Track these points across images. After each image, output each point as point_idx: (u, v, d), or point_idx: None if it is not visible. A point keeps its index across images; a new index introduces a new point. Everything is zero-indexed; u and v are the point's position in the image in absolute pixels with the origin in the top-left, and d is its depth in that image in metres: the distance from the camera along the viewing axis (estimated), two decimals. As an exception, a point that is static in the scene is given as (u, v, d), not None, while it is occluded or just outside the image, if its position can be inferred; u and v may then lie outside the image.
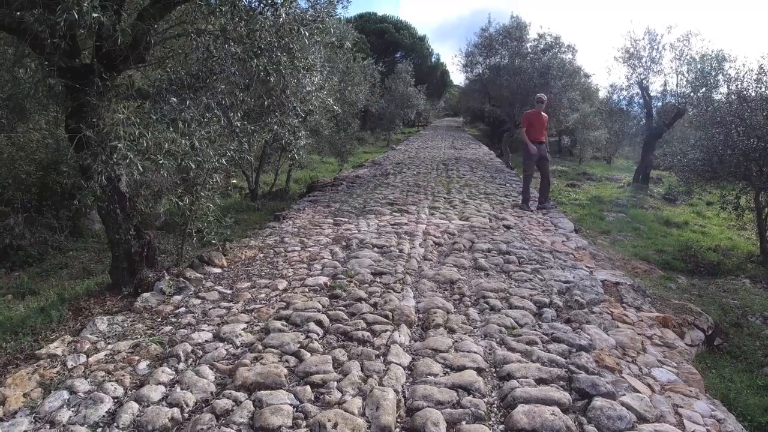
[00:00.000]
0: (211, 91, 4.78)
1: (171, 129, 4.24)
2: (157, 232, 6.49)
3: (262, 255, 6.03)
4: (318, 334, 3.79)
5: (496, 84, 21.51)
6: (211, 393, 3.08)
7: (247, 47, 4.80)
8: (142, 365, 3.45)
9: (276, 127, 5.98)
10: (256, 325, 4.03)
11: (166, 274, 5.25)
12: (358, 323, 3.95)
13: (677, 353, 4.15)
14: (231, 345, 3.70)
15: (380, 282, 4.95)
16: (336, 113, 11.08)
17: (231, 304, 4.53)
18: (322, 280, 4.95)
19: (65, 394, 3.09)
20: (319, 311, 4.19)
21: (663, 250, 9.86)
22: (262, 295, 4.69)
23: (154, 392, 3.07)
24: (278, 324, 3.93)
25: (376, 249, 6.06)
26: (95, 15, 3.49)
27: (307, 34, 5.25)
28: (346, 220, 7.73)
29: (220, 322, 4.14)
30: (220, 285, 5.06)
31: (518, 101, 20.70)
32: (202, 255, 5.69)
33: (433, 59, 46.65)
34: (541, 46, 20.97)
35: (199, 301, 4.65)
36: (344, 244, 6.32)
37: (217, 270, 5.53)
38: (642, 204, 15.07)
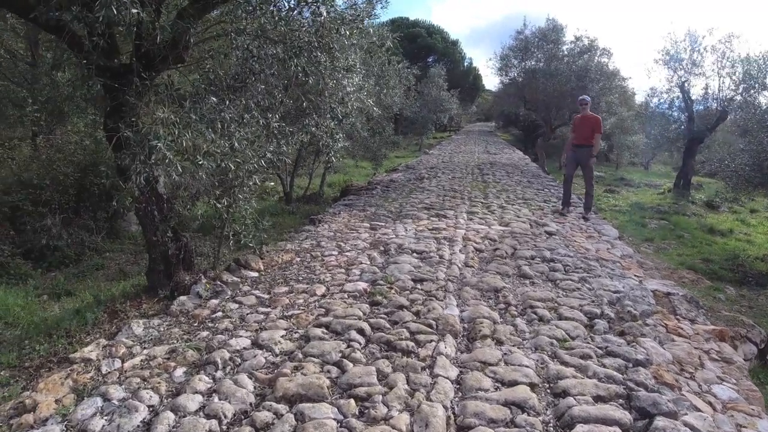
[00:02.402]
0: (251, 91, 4.70)
1: (210, 129, 4.16)
2: (194, 234, 6.45)
3: (299, 259, 5.92)
4: (360, 344, 3.63)
5: (532, 87, 21.14)
6: (251, 404, 2.95)
7: (287, 47, 4.70)
8: (179, 372, 3.35)
9: (314, 129, 5.88)
10: (295, 332, 3.90)
11: (203, 277, 5.18)
12: (401, 332, 3.77)
13: (736, 369, 3.88)
14: (270, 353, 3.57)
15: (421, 289, 4.77)
16: (373, 116, 10.98)
17: (269, 309, 4.41)
18: (362, 286, 4.80)
19: (99, 401, 3.01)
20: (359, 319, 4.04)
21: (709, 260, 9.45)
22: (301, 301, 4.56)
23: (191, 402, 2.95)
24: (318, 332, 3.79)
25: (415, 254, 5.88)
26: (134, 11, 3.42)
27: (347, 33, 5.13)
28: (383, 224, 7.58)
29: (258, 328, 4.03)
30: (257, 289, 4.96)
31: (554, 105, 20.32)
32: (238, 258, 5.61)
33: (465, 64, 46.29)
34: (578, 49, 20.55)
35: (236, 305, 4.55)
36: (382, 248, 6.17)
37: (254, 274, 5.44)
38: (684, 211, 14.55)
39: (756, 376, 4.67)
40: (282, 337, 3.80)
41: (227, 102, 4.39)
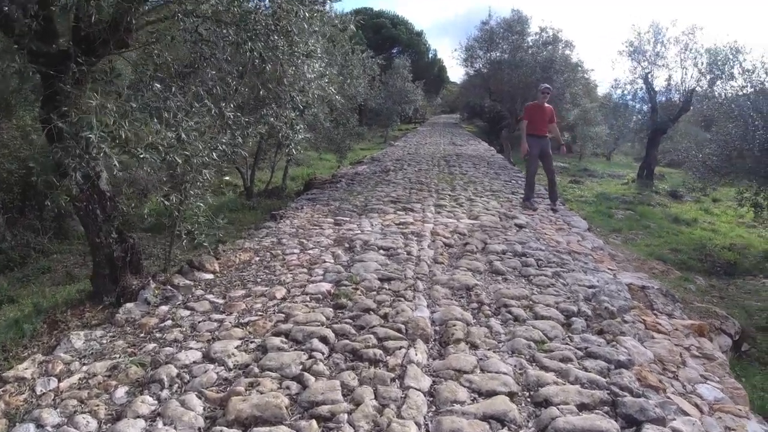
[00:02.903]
0: (201, 78, 4.30)
1: (155, 119, 3.76)
2: (144, 234, 6.01)
3: (258, 258, 5.56)
4: (323, 353, 3.31)
5: (497, 78, 21.04)
6: (199, 429, 2.60)
7: (240, 29, 4.33)
8: (120, 392, 2.98)
9: (272, 119, 5.51)
10: (251, 342, 3.55)
11: (151, 281, 4.77)
12: (368, 339, 3.46)
13: (718, 366, 3.73)
14: (223, 367, 3.22)
15: (389, 289, 4.47)
16: (335, 106, 10.60)
17: (223, 316, 4.05)
18: (325, 287, 4.47)
19: (31, 428, 2.63)
20: (322, 325, 3.71)
21: (678, 249, 9.47)
22: (259, 305, 4.21)
23: (132, 428, 2.59)
24: (277, 341, 3.45)
25: (381, 251, 5.58)
26: (69, -12, 3.01)
27: (306, 16, 4.78)
28: (348, 219, 7.25)
29: (211, 338, 3.66)
30: (211, 293, 4.58)
31: (519, 96, 20.24)
32: (192, 260, 5.21)
33: (430, 55, 46.08)
34: (543, 40, 20.53)
35: (187, 312, 4.17)
36: (347, 245, 5.84)
37: (209, 276, 5.05)
38: (649, 201, 14.69)
39: (733, 368, 4.55)
40: (237, 348, 3.45)
41: (174, 89, 3.99)
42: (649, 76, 17.86)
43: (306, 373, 3.03)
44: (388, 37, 40.15)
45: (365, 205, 8.24)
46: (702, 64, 14.63)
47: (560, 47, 20.31)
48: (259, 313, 4.05)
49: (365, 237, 6.07)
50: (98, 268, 4.82)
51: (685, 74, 16.95)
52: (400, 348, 3.35)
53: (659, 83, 18.10)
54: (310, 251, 5.67)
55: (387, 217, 7.32)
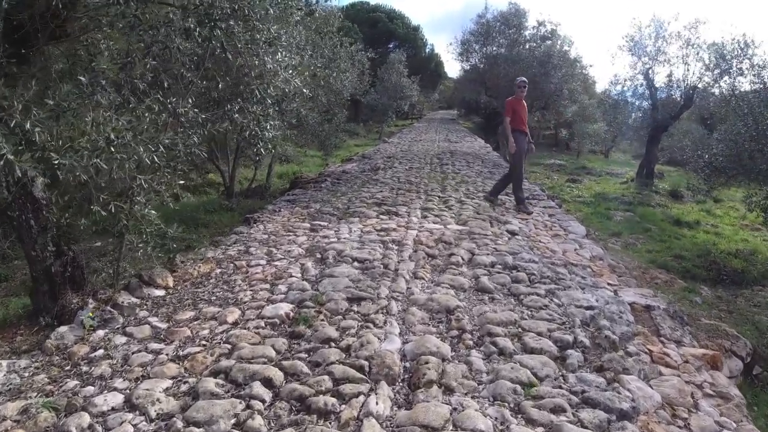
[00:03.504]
0: (140, 70, 3.72)
1: (69, 118, 3.19)
2: (90, 246, 5.44)
3: (219, 271, 4.99)
4: (264, 402, 2.73)
5: (493, 73, 20.46)
6: None
7: (188, 12, 3.77)
8: (18, 449, 2.42)
9: (237, 116, 4.94)
10: (184, 382, 2.98)
11: (91, 300, 4.21)
12: (322, 381, 2.89)
13: (734, 408, 3.19)
14: (143, 417, 2.65)
15: (358, 312, 3.89)
16: (320, 100, 10.02)
17: (162, 345, 3.48)
18: (284, 309, 3.89)
19: None
20: (270, 361, 3.14)
21: (681, 256, 8.89)
22: (205, 332, 3.64)
23: None
24: (212, 384, 2.88)
25: (356, 263, 5.00)
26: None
27: (267, -1, 4.20)
28: (326, 224, 6.68)
29: (141, 375, 3.10)
30: (156, 315, 4.01)
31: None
32: (141, 274, 4.63)
33: (427, 50, 45.36)
34: (541, 34, 19.96)
35: (124, 339, 3.61)
36: (319, 256, 5.27)
37: (160, 292, 4.49)
38: (649, 201, 14.11)
39: (744, 394, 4.00)
40: (165, 390, 2.88)
41: (104, 82, 3.41)
42: (650, 71, 17.25)
43: (237, 432, 2.47)
44: (384, 31, 39.48)
45: (347, 208, 7.67)
46: (707, 59, 13.98)
47: (558, 42, 19.75)
48: (203, 342, 3.48)
49: (340, 246, 5.49)
50: (37, 284, 4.27)
51: (687, 70, 16.37)
52: (359, 394, 2.78)
53: (660, 79, 17.49)
54: (278, 263, 5.10)
55: (368, 222, 6.74)
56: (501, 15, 20.60)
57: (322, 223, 6.69)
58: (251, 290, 4.40)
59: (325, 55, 10.23)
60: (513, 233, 6.41)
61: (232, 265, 5.13)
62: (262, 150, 5.42)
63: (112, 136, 3.31)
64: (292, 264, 5.04)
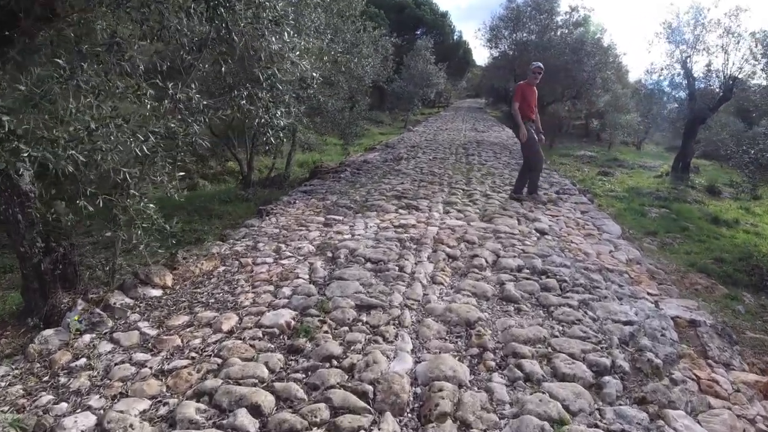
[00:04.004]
0: (129, 52, 3.34)
1: (52, 103, 2.84)
2: (94, 241, 5.14)
3: (222, 269, 4.64)
4: (247, 436, 2.37)
5: (523, 60, 19.70)
6: None
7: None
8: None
9: (244, 102, 4.56)
10: (164, 403, 2.63)
11: (80, 301, 3.90)
12: (317, 411, 2.49)
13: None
14: (111, 448, 2.31)
15: (366, 323, 3.49)
16: (341, 86, 9.60)
17: (148, 356, 3.15)
18: (285, 317, 3.51)
19: None
20: (262, 382, 2.76)
21: (721, 259, 8.26)
22: (197, 341, 3.30)
23: None
24: (192, 410, 2.51)
25: (369, 264, 4.60)
26: None
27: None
28: (341, 218, 6.29)
29: (120, 391, 2.77)
30: (147, 320, 3.68)
31: (546, 79, 18.89)
32: (137, 272, 4.31)
33: (454, 37, 44.40)
34: (573, 20, 19.15)
35: (110, 347, 3.29)
36: (330, 255, 4.89)
37: (156, 292, 4.16)
38: (685, 197, 13.38)
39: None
40: (142, 414, 2.54)
41: (85, 65, 3.05)
42: (688, 60, 16.37)
43: (211, 477, 2.10)
44: (411, 17, 38.71)
45: (365, 201, 7.26)
46: (750, 48, 13.11)
47: (591, 28, 18.93)
48: (193, 354, 3.13)
49: (353, 244, 5.09)
50: (27, 282, 4.00)
51: (727, 60, 15.47)
52: (359, 429, 2.38)
53: (697, 69, 16.61)
54: (285, 261, 4.74)
55: (386, 217, 6.33)
56: (532, 0, 19.81)
57: (337, 218, 6.29)
58: (253, 292, 4.04)
59: (347, 40, 9.80)
60: (542, 232, 5.92)
61: (237, 262, 4.78)
62: (272, 139, 5.03)
63: (93, 125, 2.96)
64: (300, 263, 4.67)
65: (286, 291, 4.02)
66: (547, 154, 17.31)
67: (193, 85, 4.04)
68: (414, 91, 24.97)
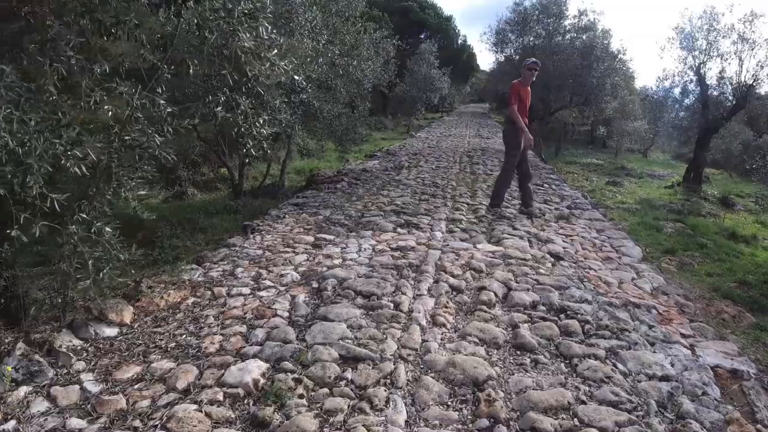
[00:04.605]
0: (60, 48, 2.76)
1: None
2: (45, 270, 4.54)
3: (191, 300, 4.04)
4: None
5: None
6: None
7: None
8: None
9: (219, 109, 3.99)
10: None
11: (21, 344, 3.30)
12: None
13: None
14: None
15: (351, 382, 2.87)
16: (340, 90, 8.99)
17: (84, 423, 2.54)
18: (253, 373, 2.88)
19: None
20: (210, 479, 2.17)
21: (746, 282, 7.65)
22: (145, 402, 2.69)
23: None
24: None
25: (359, 299, 3.99)
26: None
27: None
28: (332, 238, 5.68)
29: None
30: (93, 370, 3.08)
31: (554, 86, 18.28)
32: (90, 306, 3.71)
33: (459, 41, 43.84)
34: (582, 24, 18.53)
35: (45, 406, 2.69)
36: (315, 285, 4.28)
37: (111, 331, 3.56)
38: (699, 210, 12.77)
39: None
40: None
41: (7, 68, 2.46)
42: (702, 67, 15.76)
43: None
44: (415, 21, 38.16)
45: (360, 217, 6.66)
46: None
47: (599, 32, 18.31)
48: (136, 423, 2.52)
49: (343, 273, 4.48)
50: (-35, 317, 3.41)
51: (741, 67, 14.87)
52: None
53: (710, 76, 16.01)
54: (264, 293, 4.13)
55: (382, 237, 5.72)
56: (539, 3, 19.14)
57: (328, 237, 5.69)
58: (221, 334, 3.44)
59: (346, 42, 9.23)
60: (557, 257, 5.31)
61: (209, 292, 4.18)
62: (252, 151, 4.44)
63: (11, 142, 2.37)
64: (280, 296, 4.06)
65: (260, 334, 3.41)
66: (552, 162, 16.75)
67: (159, 90, 3.47)
68: (417, 95, 24.45)
